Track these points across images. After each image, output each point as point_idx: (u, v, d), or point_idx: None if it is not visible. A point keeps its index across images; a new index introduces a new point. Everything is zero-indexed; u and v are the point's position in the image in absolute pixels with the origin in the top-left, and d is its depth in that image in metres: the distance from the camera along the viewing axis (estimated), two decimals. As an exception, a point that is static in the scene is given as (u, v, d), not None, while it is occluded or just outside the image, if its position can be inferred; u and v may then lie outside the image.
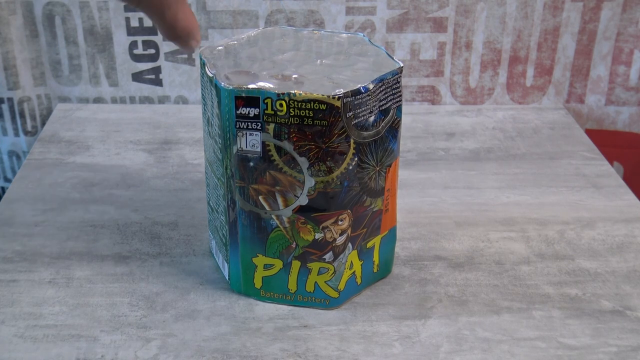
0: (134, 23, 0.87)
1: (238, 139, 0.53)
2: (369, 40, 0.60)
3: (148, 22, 0.87)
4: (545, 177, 0.77)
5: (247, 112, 0.52)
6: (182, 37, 0.52)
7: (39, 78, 0.89)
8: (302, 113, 0.51)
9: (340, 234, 0.56)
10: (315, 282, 0.57)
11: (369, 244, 0.58)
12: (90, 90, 0.90)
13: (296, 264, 0.57)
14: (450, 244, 0.66)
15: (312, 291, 0.58)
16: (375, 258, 0.60)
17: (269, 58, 0.57)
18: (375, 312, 0.58)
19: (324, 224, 0.55)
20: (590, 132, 0.91)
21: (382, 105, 0.54)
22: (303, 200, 0.54)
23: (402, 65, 0.55)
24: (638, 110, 0.92)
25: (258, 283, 0.58)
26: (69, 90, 0.90)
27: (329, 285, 0.57)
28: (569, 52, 0.89)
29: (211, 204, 0.61)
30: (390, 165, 0.57)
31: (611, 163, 0.90)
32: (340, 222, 0.55)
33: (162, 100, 0.91)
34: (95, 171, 0.77)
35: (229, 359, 0.53)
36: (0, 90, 0.87)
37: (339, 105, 0.51)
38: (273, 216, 0.55)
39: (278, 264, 0.57)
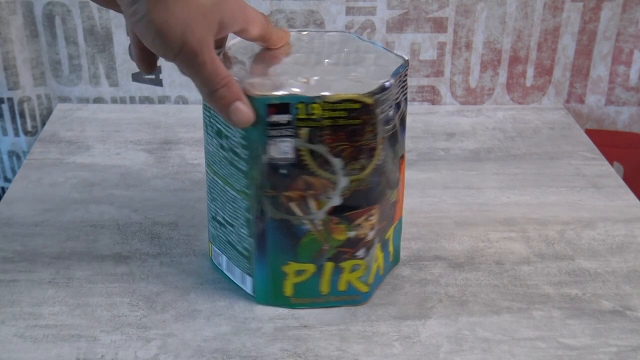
0: (134, 23, 0.86)
1: (269, 147, 0.52)
2: (359, 37, 0.60)
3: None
4: (545, 177, 0.77)
5: (279, 120, 0.51)
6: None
7: (39, 78, 0.89)
8: (336, 114, 0.51)
9: (371, 229, 0.56)
10: (348, 280, 0.57)
11: (387, 235, 0.59)
12: (90, 90, 0.90)
13: (329, 266, 0.56)
14: (450, 244, 0.66)
15: (344, 290, 0.58)
16: (391, 248, 0.61)
17: (276, 62, 0.56)
18: (375, 312, 0.58)
19: (357, 222, 0.55)
20: (590, 132, 0.91)
21: (397, 98, 0.54)
22: (337, 201, 0.54)
23: (407, 58, 0.56)
24: (638, 110, 0.92)
25: (289, 291, 0.57)
26: (69, 90, 0.90)
27: (360, 281, 0.58)
28: (569, 52, 0.89)
29: (220, 219, 0.59)
30: (402, 156, 0.57)
31: (611, 163, 0.90)
32: (370, 218, 0.55)
33: (162, 100, 0.91)
34: (95, 171, 0.77)
35: (229, 359, 0.53)
36: (0, 90, 0.87)
37: (372, 102, 0.51)
38: (305, 221, 0.54)
39: (310, 268, 0.56)
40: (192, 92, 0.91)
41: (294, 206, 0.54)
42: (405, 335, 0.56)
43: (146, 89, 0.91)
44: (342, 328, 0.56)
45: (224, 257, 0.60)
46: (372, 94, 0.51)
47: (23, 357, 0.53)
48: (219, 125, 0.55)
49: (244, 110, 0.50)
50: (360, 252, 0.56)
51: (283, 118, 0.51)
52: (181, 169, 0.77)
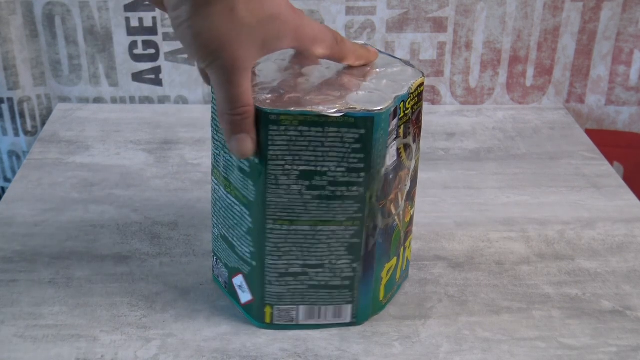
0: (134, 23, 0.87)
1: (386, 157, 0.50)
2: None
3: (148, 22, 0.87)
4: (545, 177, 0.77)
5: (393, 126, 0.50)
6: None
7: (39, 78, 0.89)
8: (414, 101, 0.52)
9: None
10: (407, 257, 0.58)
11: None
12: (90, 90, 0.90)
13: (401, 250, 0.57)
14: (450, 244, 0.66)
15: (405, 268, 0.59)
16: None
17: (296, 81, 0.52)
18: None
19: (415, 197, 0.57)
20: (590, 132, 0.91)
21: None
22: (409, 185, 0.55)
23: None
24: (638, 110, 0.92)
25: (381, 295, 0.57)
26: (69, 90, 0.90)
27: (411, 252, 0.59)
28: (569, 52, 0.89)
29: (296, 270, 0.53)
30: None
31: (611, 163, 0.90)
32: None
33: (162, 100, 0.91)
34: (95, 171, 0.77)
35: (229, 359, 0.53)
36: (0, 90, 0.87)
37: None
38: (395, 217, 0.54)
39: (394, 261, 0.56)
40: (192, 92, 0.91)
41: (392, 207, 0.53)
42: (405, 335, 0.56)
43: (146, 89, 0.91)
44: (342, 328, 0.56)
45: (302, 307, 0.55)
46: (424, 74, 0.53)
47: (23, 357, 0.53)
48: (305, 167, 0.49)
49: (249, 145, 0.48)
50: (413, 225, 0.58)
51: (394, 123, 0.50)
52: (181, 169, 0.77)
